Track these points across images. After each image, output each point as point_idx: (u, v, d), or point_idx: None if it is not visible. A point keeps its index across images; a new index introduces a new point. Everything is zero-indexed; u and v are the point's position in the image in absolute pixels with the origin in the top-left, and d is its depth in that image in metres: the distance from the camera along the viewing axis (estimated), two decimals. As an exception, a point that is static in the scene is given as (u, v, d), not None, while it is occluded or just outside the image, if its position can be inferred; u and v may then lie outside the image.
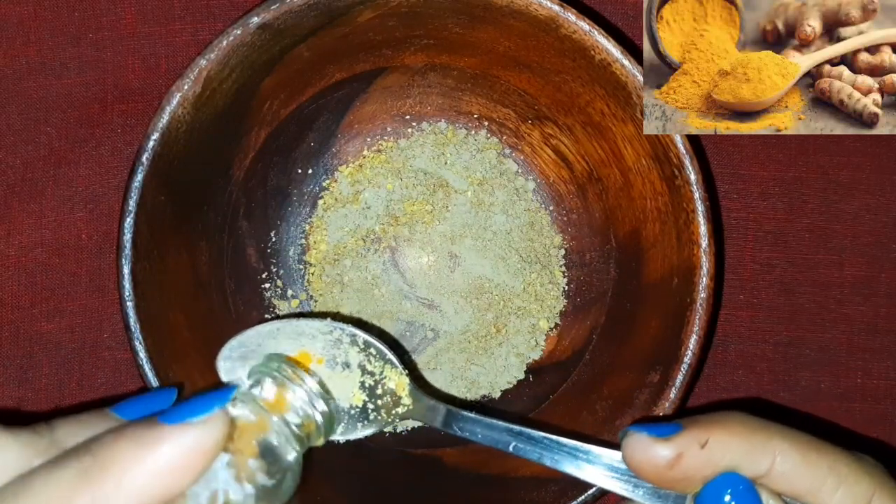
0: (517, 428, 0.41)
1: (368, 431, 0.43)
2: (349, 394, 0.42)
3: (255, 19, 0.44)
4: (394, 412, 0.43)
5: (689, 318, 0.45)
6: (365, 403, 0.43)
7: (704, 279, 0.45)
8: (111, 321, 0.52)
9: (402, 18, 0.46)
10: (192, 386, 0.46)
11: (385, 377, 0.43)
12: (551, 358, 0.51)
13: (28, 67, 0.52)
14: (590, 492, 0.44)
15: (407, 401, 0.43)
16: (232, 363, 0.41)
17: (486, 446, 0.42)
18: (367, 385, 0.43)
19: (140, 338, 0.44)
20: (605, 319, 0.50)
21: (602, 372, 0.49)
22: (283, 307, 0.51)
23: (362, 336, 0.43)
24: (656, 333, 0.47)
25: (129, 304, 0.44)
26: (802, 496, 0.36)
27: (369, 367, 0.43)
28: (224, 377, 0.41)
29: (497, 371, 0.51)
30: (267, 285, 0.51)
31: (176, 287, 0.47)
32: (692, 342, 0.45)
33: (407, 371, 0.43)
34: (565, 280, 0.52)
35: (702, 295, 0.45)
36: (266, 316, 0.51)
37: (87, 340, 0.52)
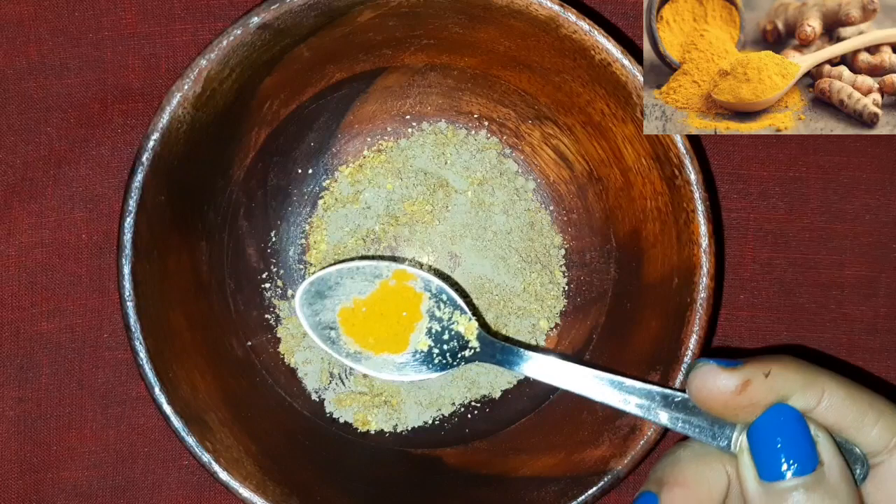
0: (576, 367, 0.43)
1: (433, 375, 0.44)
2: (417, 339, 0.45)
3: (256, 19, 0.44)
4: (460, 356, 0.45)
5: (689, 318, 0.45)
6: (430, 348, 0.45)
7: (704, 279, 0.45)
8: (111, 321, 0.52)
9: (402, 18, 0.46)
10: (192, 386, 0.46)
11: (454, 322, 0.45)
12: (551, 358, 0.51)
13: (28, 67, 0.52)
14: (590, 492, 0.44)
15: (475, 344, 0.45)
16: (310, 298, 0.44)
17: (488, 446, 0.43)
18: (433, 331, 0.45)
19: (140, 338, 0.44)
20: (605, 319, 0.50)
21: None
22: (283, 307, 0.51)
23: (436, 283, 0.45)
24: (656, 333, 0.47)
25: (129, 304, 0.44)
26: (846, 429, 0.39)
27: (437, 314, 0.45)
28: (300, 311, 0.44)
29: (497, 371, 0.51)
30: (267, 285, 0.51)
31: (176, 287, 0.47)
32: (692, 342, 0.45)
33: (475, 317, 0.45)
34: (565, 280, 0.52)
35: (702, 295, 0.45)
36: (266, 316, 0.51)
37: (87, 340, 0.52)
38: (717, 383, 0.39)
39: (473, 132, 0.52)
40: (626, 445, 0.45)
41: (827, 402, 0.39)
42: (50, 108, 0.52)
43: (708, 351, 0.46)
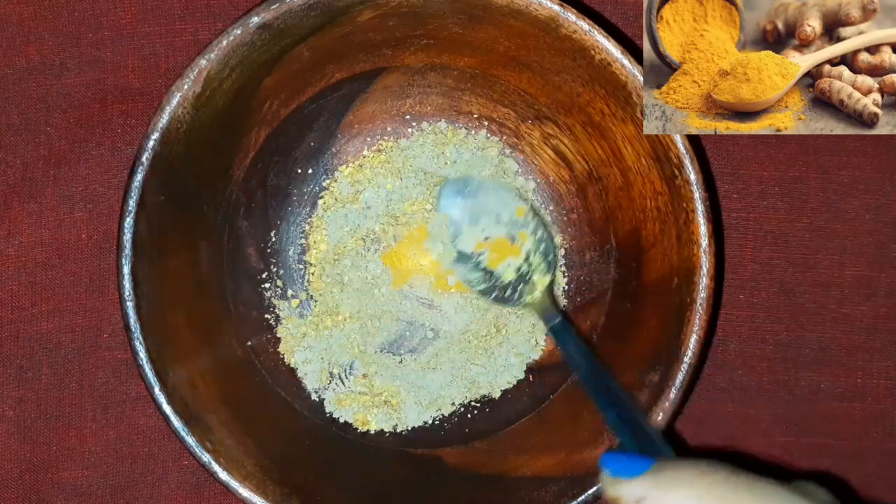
0: (596, 370, 0.46)
1: (502, 301, 0.50)
2: (506, 268, 0.50)
3: (256, 19, 0.44)
4: (523, 299, 0.50)
5: (689, 318, 0.45)
6: (510, 283, 0.50)
7: (704, 279, 0.45)
8: (111, 321, 0.52)
9: (402, 18, 0.46)
10: (192, 386, 0.46)
11: (534, 270, 0.49)
12: (551, 358, 0.51)
13: (28, 67, 0.52)
14: (590, 491, 0.44)
15: (538, 296, 0.50)
16: (450, 199, 0.50)
17: (488, 446, 0.42)
18: (521, 272, 0.50)
19: (140, 338, 0.44)
20: (605, 319, 0.50)
21: (602, 372, 0.49)
22: (283, 307, 0.51)
23: (547, 233, 0.51)
24: (656, 333, 0.47)
25: (129, 304, 0.44)
26: None
27: (531, 259, 0.50)
28: (441, 207, 0.50)
29: (497, 371, 0.51)
30: (267, 285, 0.51)
31: (176, 287, 0.47)
32: (692, 342, 0.45)
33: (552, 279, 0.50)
34: (565, 280, 0.52)
35: (702, 295, 0.45)
36: (266, 316, 0.51)
37: (87, 340, 0.52)
38: (613, 491, 0.38)
39: (473, 132, 0.52)
40: (626, 445, 0.45)
41: None
42: (50, 108, 0.52)
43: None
